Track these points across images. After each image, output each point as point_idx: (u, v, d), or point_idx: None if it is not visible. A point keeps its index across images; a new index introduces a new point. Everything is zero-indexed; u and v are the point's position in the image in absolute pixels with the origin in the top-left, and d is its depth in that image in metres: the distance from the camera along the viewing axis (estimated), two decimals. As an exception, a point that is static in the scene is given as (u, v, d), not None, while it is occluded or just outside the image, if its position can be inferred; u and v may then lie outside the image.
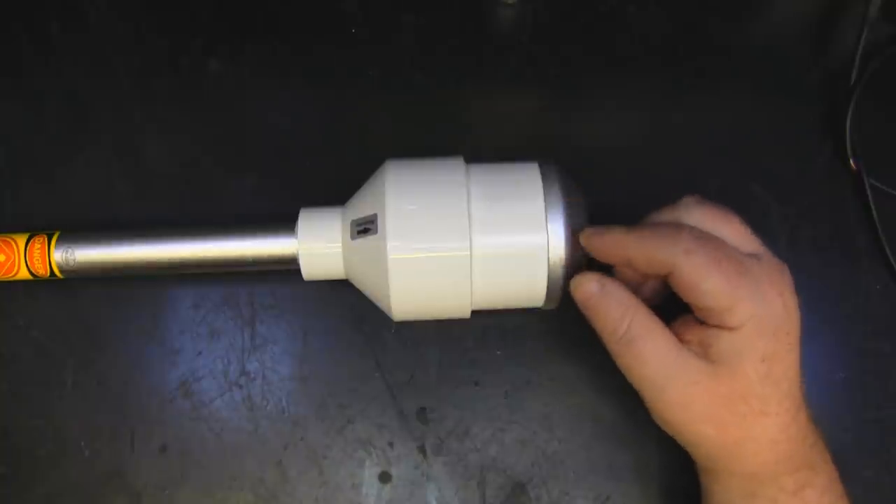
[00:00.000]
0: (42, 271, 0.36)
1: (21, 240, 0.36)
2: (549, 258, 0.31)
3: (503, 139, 0.42)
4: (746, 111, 0.43)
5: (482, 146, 0.40)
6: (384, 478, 0.37)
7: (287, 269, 0.35)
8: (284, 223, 0.35)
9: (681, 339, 0.30)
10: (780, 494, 0.30)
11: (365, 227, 0.32)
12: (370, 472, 0.36)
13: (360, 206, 0.33)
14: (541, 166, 0.33)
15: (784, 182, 0.41)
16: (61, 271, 0.36)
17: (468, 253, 0.31)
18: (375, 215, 0.32)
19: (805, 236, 0.40)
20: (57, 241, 0.36)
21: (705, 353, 0.30)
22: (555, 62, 0.43)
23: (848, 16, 0.44)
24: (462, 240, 0.31)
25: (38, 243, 0.35)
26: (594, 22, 0.44)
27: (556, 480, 0.36)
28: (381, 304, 0.34)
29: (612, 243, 0.31)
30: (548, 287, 0.32)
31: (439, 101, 0.43)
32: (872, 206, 0.40)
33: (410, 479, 0.37)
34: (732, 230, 0.31)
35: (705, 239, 0.29)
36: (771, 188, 0.41)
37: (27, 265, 0.36)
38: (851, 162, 0.41)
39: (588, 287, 0.31)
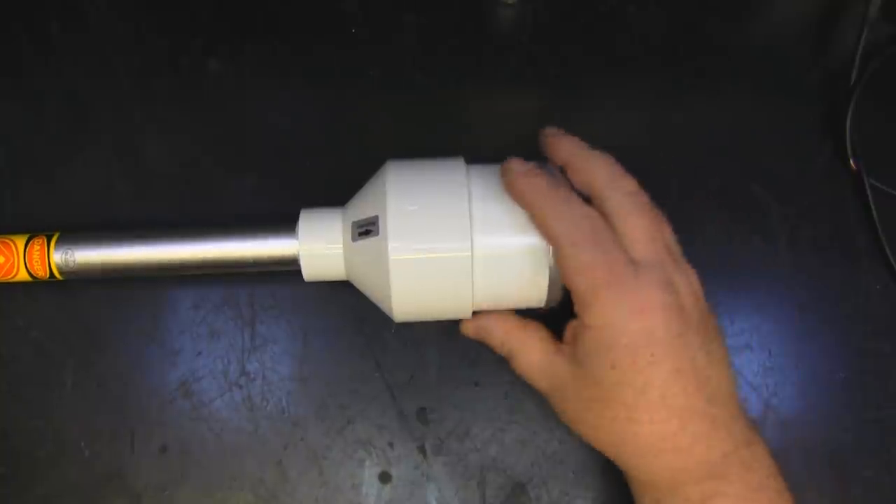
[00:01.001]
0: (41, 273, 0.36)
1: (20, 241, 0.36)
2: (550, 258, 0.32)
3: (503, 139, 0.42)
4: (746, 111, 0.43)
5: (482, 146, 0.40)
6: (384, 478, 0.37)
7: (287, 270, 0.35)
8: (285, 224, 0.35)
9: (566, 335, 0.32)
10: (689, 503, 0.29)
11: (366, 229, 0.32)
12: (370, 473, 0.37)
13: (361, 207, 0.33)
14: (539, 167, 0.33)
15: (784, 182, 0.41)
16: (61, 272, 0.36)
17: (469, 253, 0.31)
18: (377, 217, 0.32)
19: (805, 236, 0.40)
20: (56, 242, 0.36)
21: (574, 351, 0.31)
22: (555, 62, 0.43)
23: (848, 16, 0.44)
24: (463, 240, 0.31)
25: (38, 245, 0.35)
26: (594, 22, 0.44)
27: (556, 480, 0.37)
28: (382, 305, 0.34)
29: (521, 193, 0.31)
30: (549, 287, 0.32)
31: (439, 101, 0.43)
32: (872, 206, 0.40)
33: (410, 479, 0.37)
34: (638, 227, 0.30)
35: (598, 239, 0.30)
36: (771, 188, 0.41)
37: (26, 267, 0.35)
38: (851, 162, 0.41)
39: (467, 327, 0.35)
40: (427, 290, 0.32)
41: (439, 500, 0.36)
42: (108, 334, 0.38)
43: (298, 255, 0.34)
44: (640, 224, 0.30)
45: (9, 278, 0.36)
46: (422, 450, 0.37)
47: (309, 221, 0.35)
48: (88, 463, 0.36)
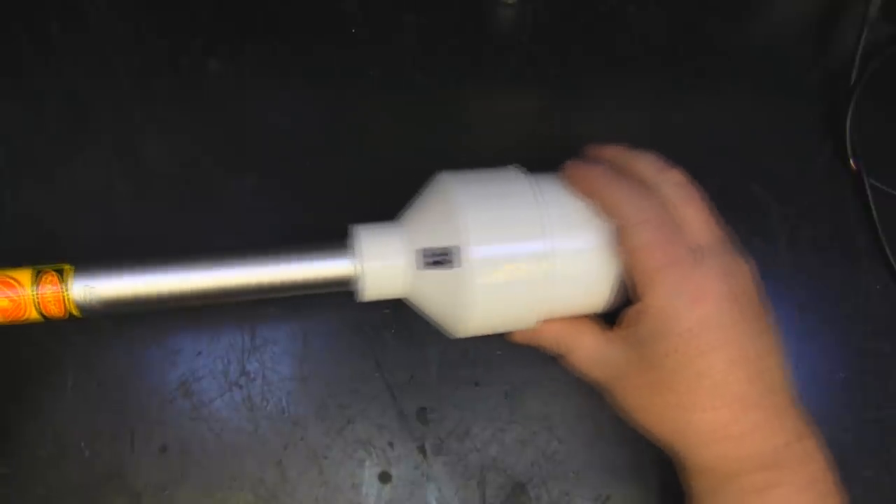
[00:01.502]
0: (58, 313, 0.30)
1: (25, 277, 0.30)
2: (618, 263, 0.32)
3: (503, 139, 0.42)
4: (746, 111, 0.43)
5: (482, 146, 0.40)
6: (384, 478, 0.37)
7: (336, 291, 0.33)
8: (333, 243, 0.33)
9: (623, 320, 0.32)
10: (745, 493, 0.29)
11: (440, 259, 0.31)
12: (370, 472, 0.36)
13: (427, 230, 0.32)
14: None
15: (784, 182, 0.41)
16: (82, 311, 0.31)
17: (548, 272, 0.31)
18: (454, 248, 0.31)
19: (805, 236, 0.40)
20: (73, 275, 0.30)
21: (632, 337, 0.31)
22: (555, 62, 0.43)
23: (848, 16, 0.44)
24: (542, 260, 0.31)
25: (49, 280, 0.30)
26: (594, 22, 0.44)
27: (556, 480, 0.37)
28: (445, 324, 0.33)
29: (583, 179, 0.32)
30: (613, 293, 0.33)
31: (439, 101, 0.43)
32: (872, 206, 0.40)
33: (410, 479, 0.37)
34: (695, 217, 0.31)
35: (662, 221, 0.30)
36: (771, 188, 0.41)
37: (38, 308, 0.30)
38: (851, 162, 0.41)
39: (517, 336, 0.35)
40: (503, 311, 0.32)
41: (439, 500, 0.36)
42: (108, 334, 0.38)
43: (358, 277, 0.32)
44: (694, 213, 0.31)
45: (18, 321, 0.31)
46: (422, 450, 0.37)
47: (369, 240, 0.32)
48: (88, 462, 0.36)
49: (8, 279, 0.30)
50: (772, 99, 0.43)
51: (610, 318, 0.33)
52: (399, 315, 0.38)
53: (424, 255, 0.31)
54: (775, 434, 0.30)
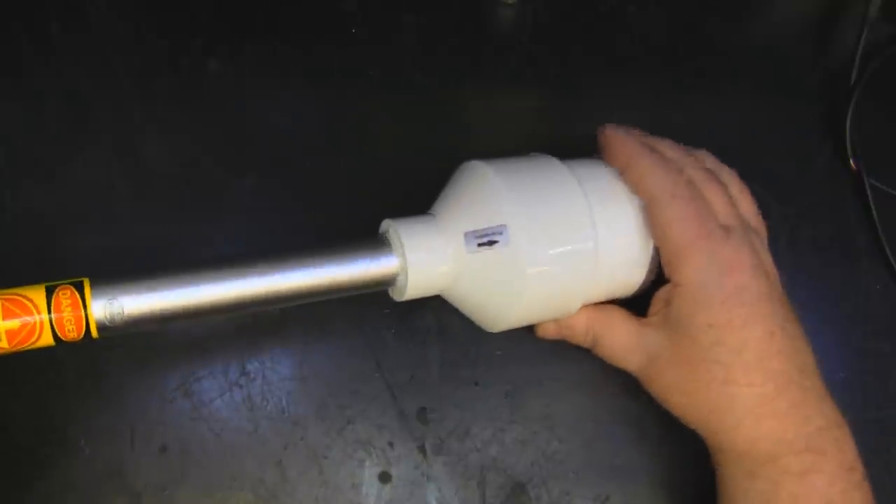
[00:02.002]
0: (74, 334, 0.26)
1: (37, 294, 0.26)
2: (653, 244, 0.32)
3: (503, 139, 0.42)
4: (746, 111, 0.43)
5: (482, 146, 0.40)
6: (384, 478, 0.37)
7: (374, 291, 0.32)
8: (365, 240, 0.31)
9: (655, 304, 0.32)
10: (783, 476, 0.29)
11: (490, 239, 0.30)
12: (370, 472, 0.36)
13: (466, 216, 0.31)
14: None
15: (784, 182, 0.41)
16: (102, 331, 0.27)
17: (592, 256, 0.31)
18: (503, 226, 0.30)
19: (805, 236, 0.40)
20: (93, 290, 0.26)
21: (666, 317, 0.31)
22: (555, 62, 0.43)
23: (848, 16, 0.44)
24: (588, 240, 0.31)
25: (66, 297, 0.26)
26: (594, 22, 0.44)
27: (556, 480, 0.36)
28: (489, 315, 0.32)
29: (621, 147, 0.32)
30: (647, 272, 0.33)
31: (439, 101, 0.43)
32: (872, 206, 0.40)
33: (410, 479, 0.37)
34: (719, 198, 0.32)
35: (694, 196, 0.31)
36: (771, 188, 0.41)
37: (53, 329, 0.25)
38: (851, 162, 0.41)
39: (547, 329, 0.35)
40: (550, 293, 0.31)
41: (439, 500, 0.36)
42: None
43: (401, 272, 0.30)
44: (719, 193, 0.32)
45: (24, 347, 0.27)
46: (422, 450, 0.37)
47: (410, 233, 0.30)
48: (89, 462, 0.36)
49: (17, 297, 0.26)
50: (772, 99, 0.43)
51: (633, 307, 0.34)
52: (399, 315, 0.38)
53: (475, 237, 0.30)
54: (813, 417, 0.29)
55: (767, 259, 0.32)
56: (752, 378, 0.29)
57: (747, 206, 0.34)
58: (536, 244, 0.30)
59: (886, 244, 0.40)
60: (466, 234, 0.30)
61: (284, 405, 0.37)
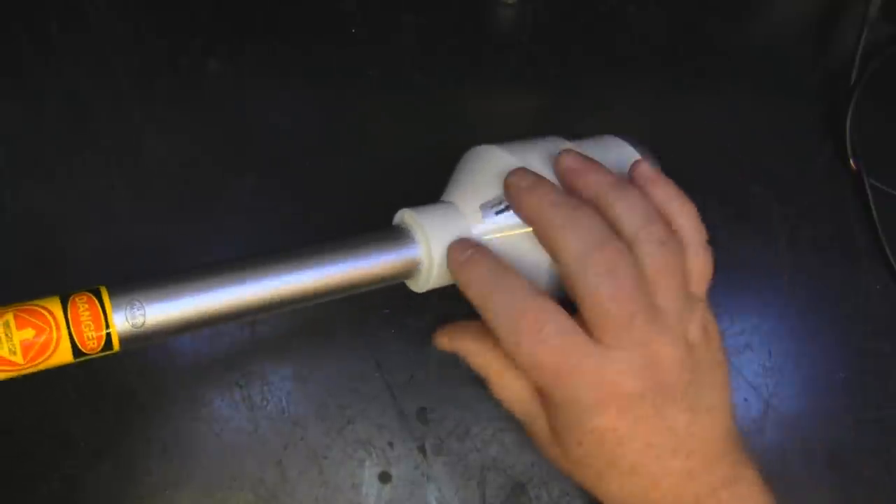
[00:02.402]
0: (93, 346, 0.24)
1: (54, 306, 0.23)
2: None
3: (503, 139, 0.42)
4: (746, 111, 0.43)
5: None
6: (384, 478, 0.37)
7: (394, 284, 0.31)
8: (382, 232, 0.30)
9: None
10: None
11: (506, 205, 0.30)
12: (370, 472, 0.36)
13: (479, 193, 0.31)
14: (624, 138, 0.34)
15: (784, 182, 0.41)
16: (124, 341, 0.25)
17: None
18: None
19: (805, 236, 0.40)
20: (111, 297, 0.24)
21: (548, 399, 0.30)
22: (555, 62, 0.43)
23: (848, 16, 0.44)
24: None
25: (84, 305, 0.24)
26: (594, 22, 0.44)
27: (556, 480, 0.36)
28: None
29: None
30: None
31: (439, 101, 0.43)
32: (872, 206, 0.40)
33: (410, 479, 0.37)
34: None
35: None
36: (771, 188, 0.41)
37: (73, 340, 0.23)
38: (851, 162, 0.41)
39: (442, 340, 0.34)
40: None
41: (439, 500, 0.36)
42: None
43: (426, 261, 0.29)
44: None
45: (37, 364, 0.24)
46: (422, 450, 0.37)
47: (429, 219, 0.30)
48: (88, 462, 0.36)
49: (34, 308, 0.23)
50: (772, 99, 0.43)
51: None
52: (399, 315, 0.38)
53: (490, 207, 0.30)
54: (697, 487, 0.28)
55: (665, 359, 0.27)
56: (624, 483, 0.28)
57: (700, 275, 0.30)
58: None
59: (886, 244, 0.40)
60: (482, 206, 0.30)
61: (284, 405, 0.37)
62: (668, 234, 0.28)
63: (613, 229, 0.28)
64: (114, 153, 0.41)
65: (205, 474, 0.36)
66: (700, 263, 0.30)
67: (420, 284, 0.31)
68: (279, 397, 0.37)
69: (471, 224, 0.30)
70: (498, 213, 0.30)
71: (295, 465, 0.36)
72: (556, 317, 0.27)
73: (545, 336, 0.27)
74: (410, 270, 0.30)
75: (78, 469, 0.36)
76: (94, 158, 0.41)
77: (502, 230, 0.30)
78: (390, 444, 0.37)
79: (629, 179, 0.30)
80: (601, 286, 0.26)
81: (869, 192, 0.40)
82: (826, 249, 0.40)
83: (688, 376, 0.28)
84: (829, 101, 0.42)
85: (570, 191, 0.29)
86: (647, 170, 0.30)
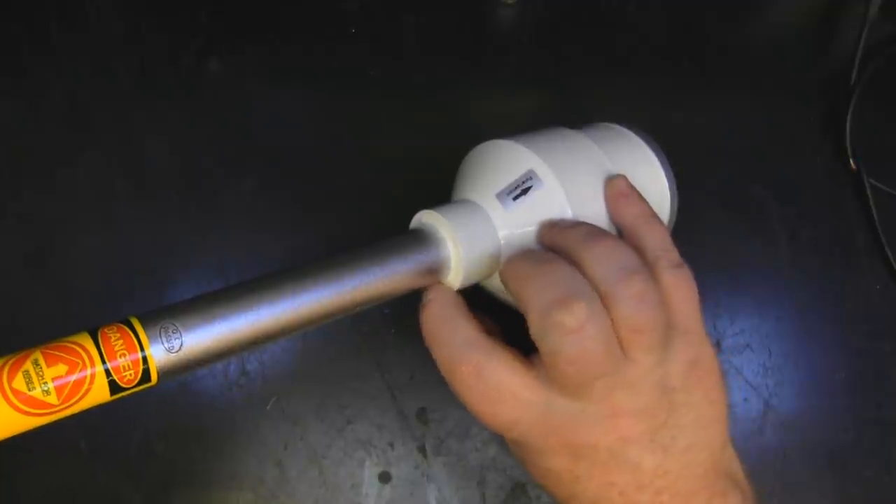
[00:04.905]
0: (130, 378, 0.22)
1: (86, 341, 0.22)
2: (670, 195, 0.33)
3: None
4: (746, 111, 0.43)
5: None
6: (384, 478, 0.37)
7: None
8: (405, 236, 0.29)
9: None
10: None
11: (524, 188, 0.29)
12: (370, 472, 0.36)
13: (492, 185, 0.30)
14: (628, 127, 0.34)
15: (784, 182, 0.41)
16: (163, 374, 0.23)
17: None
18: (531, 171, 0.29)
19: (805, 236, 0.40)
20: (145, 326, 0.23)
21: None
22: (555, 62, 0.43)
23: (848, 16, 0.44)
24: (604, 174, 0.31)
25: (117, 337, 0.22)
26: (594, 22, 0.44)
27: (557, 480, 0.36)
28: None
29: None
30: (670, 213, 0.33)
31: (439, 101, 0.43)
32: (872, 206, 0.40)
33: (410, 479, 0.37)
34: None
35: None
36: (771, 188, 0.41)
37: (110, 373, 0.21)
38: (851, 162, 0.41)
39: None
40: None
41: (439, 500, 0.36)
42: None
43: (454, 260, 0.29)
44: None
45: (71, 405, 0.22)
46: (422, 450, 0.37)
47: (453, 218, 0.29)
48: (88, 462, 0.36)
49: (67, 345, 0.21)
50: (772, 99, 0.43)
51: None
52: (399, 315, 0.38)
53: (507, 193, 0.29)
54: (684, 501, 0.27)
55: (637, 415, 0.26)
56: None
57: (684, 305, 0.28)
58: (566, 179, 0.29)
59: (886, 244, 0.40)
60: (499, 195, 0.30)
61: (284, 405, 0.37)
62: (647, 288, 0.26)
63: (587, 281, 0.26)
64: (114, 153, 0.41)
65: (205, 474, 0.36)
66: (679, 291, 0.27)
67: (451, 283, 0.30)
68: (279, 397, 0.37)
69: (491, 215, 0.30)
70: (515, 198, 0.29)
71: (295, 465, 0.36)
72: (499, 365, 0.27)
73: (483, 384, 0.28)
74: (442, 271, 0.29)
75: (77, 470, 0.36)
76: (94, 158, 0.41)
77: (524, 224, 0.30)
78: (390, 445, 0.37)
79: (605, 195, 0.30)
80: (563, 348, 0.25)
81: (869, 192, 0.40)
82: (826, 249, 0.40)
83: (658, 422, 0.27)
84: (829, 101, 0.42)
85: (547, 246, 0.29)
86: (623, 185, 0.30)
